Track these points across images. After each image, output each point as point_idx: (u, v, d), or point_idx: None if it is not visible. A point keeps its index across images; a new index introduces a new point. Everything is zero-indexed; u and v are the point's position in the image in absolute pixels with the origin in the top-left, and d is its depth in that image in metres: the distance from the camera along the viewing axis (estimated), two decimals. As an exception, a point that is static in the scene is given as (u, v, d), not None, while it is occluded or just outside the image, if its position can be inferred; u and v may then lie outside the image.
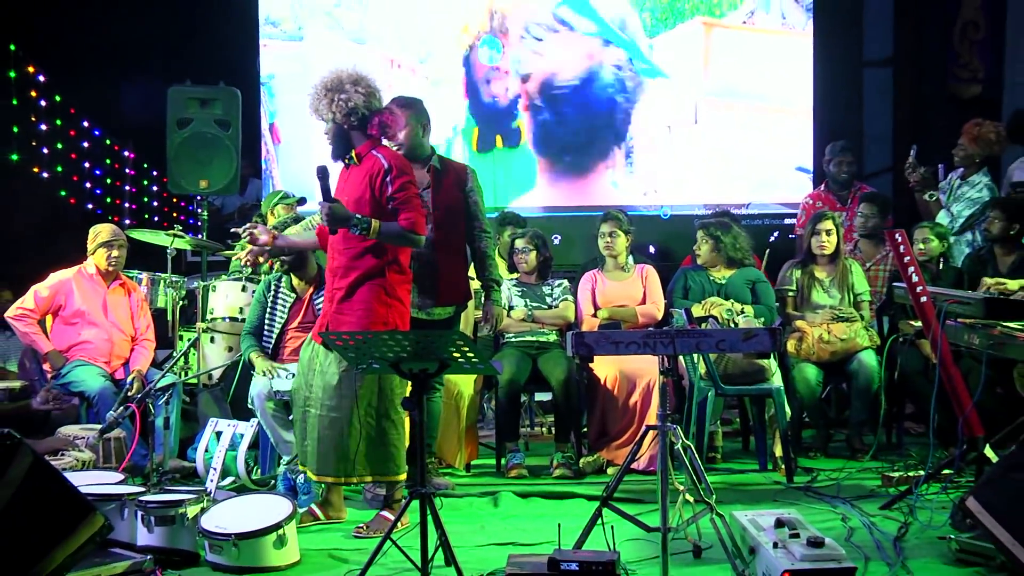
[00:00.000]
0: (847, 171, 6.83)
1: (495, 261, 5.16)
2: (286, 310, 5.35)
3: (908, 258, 4.65)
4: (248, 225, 4.62)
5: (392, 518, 4.22)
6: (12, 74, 7.79)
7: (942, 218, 6.37)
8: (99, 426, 5.00)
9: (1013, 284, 4.89)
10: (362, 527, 4.30)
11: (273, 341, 5.34)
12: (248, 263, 4.92)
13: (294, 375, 5.05)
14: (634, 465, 4.43)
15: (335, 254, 4.37)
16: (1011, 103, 7.85)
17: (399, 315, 4.37)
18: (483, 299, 5.13)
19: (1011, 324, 4.42)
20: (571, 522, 3.94)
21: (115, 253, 5.78)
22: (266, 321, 5.39)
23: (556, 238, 7.44)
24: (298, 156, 8.08)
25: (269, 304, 5.38)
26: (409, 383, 3.90)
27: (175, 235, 6.26)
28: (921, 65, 8.64)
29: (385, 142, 4.50)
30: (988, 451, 4.42)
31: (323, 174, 4.20)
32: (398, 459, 4.36)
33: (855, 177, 6.94)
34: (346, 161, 4.39)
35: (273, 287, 5.40)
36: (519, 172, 8.11)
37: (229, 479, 5.00)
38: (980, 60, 8.31)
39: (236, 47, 8.34)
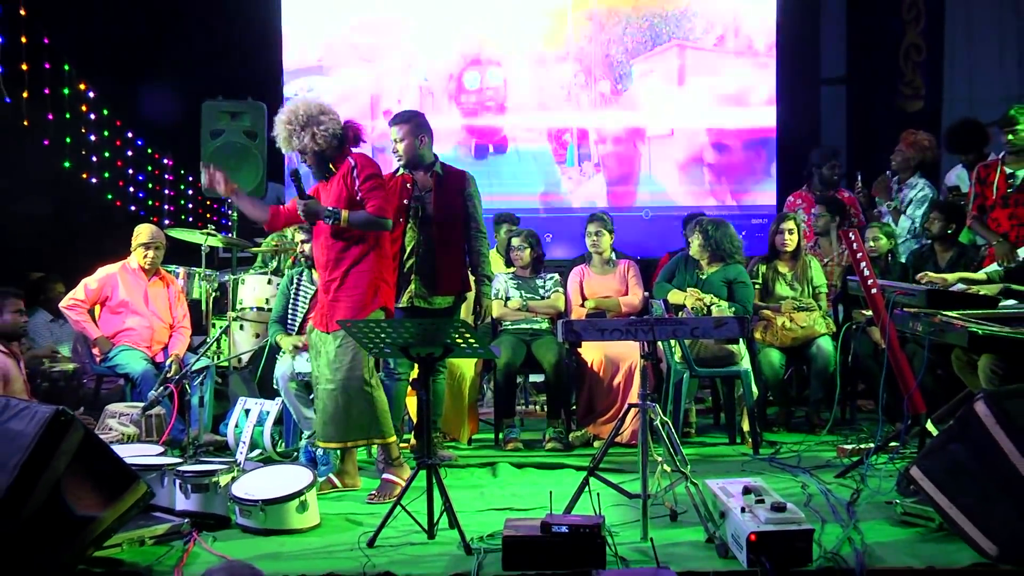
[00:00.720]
0: (838, 174, 6.81)
1: (488, 258, 5.14)
2: (307, 300, 5.35)
3: (860, 254, 4.64)
4: (209, 175, 4.56)
5: (394, 479, 4.27)
6: (66, 91, 7.80)
7: (903, 223, 6.39)
8: (142, 404, 4.99)
9: (952, 277, 4.89)
10: (374, 493, 4.30)
11: (296, 328, 5.35)
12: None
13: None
14: (618, 439, 4.42)
15: (322, 250, 4.37)
16: (949, 116, 7.90)
17: (386, 296, 4.44)
18: (475, 292, 5.11)
19: (950, 313, 4.42)
20: (561, 490, 3.94)
21: (151, 254, 5.77)
22: (289, 310, 5.39)
23: (548, 236, 7.42)
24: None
25: (292, 295, 5.39)
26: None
27: (208, 234, 6.26)
28: (871, 83, 8.64)
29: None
30: (929, 426, 4.43)
31: (296, 176, 4.29)
32: (384, 422, 4.35)
33: (840, 180, 6.91)
34: (325, 176, 4.41)
35: (295, 280, 5.41)
36: (511, 175, 8.12)
37: (256, 451, 5.00)
38: (922, 79, 8.36)
39: (263, 66, 8.31)
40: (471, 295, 5.10)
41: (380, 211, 4.30)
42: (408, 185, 4.85)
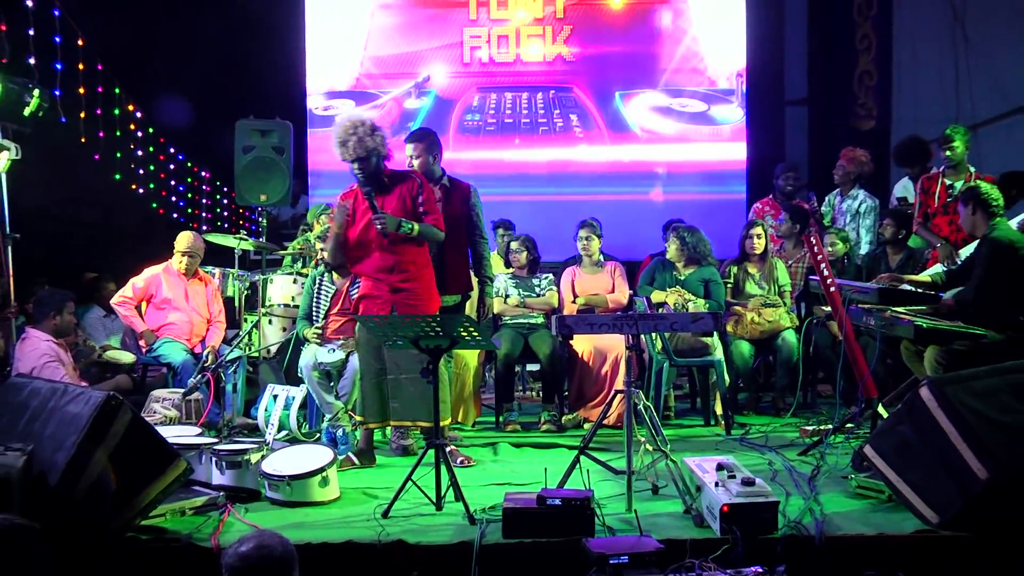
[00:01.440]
0: (792, 185, 6.79)
1: (490, 262, 5.11)
2: (328, 297, 5.33)
3: (820, 257, 4.64)
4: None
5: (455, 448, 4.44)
6: (116, 111, 7.80)
7: (866, 236, 6.42)
8: (182, 390, 4.98)
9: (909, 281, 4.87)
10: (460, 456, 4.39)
11: (320, 320, 5.33)
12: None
13: (334, 350, 5.03)
14: (605, 421, 4.39)
15: (380, 258, 4.34)
16: (896, 134, 8.01)
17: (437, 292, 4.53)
18: (479, 292, 5.07)
19: (899, 309, 4.44)
20: (555, 467, 3.91)
21: (186, 260, 5.77)
22: (313, 307, 5.37)
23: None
24: (335, 177, 7.99)
25: (315, 293, 5.37)
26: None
27: (241, 238, 6.22)
28: (829, 104, 8.64)
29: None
30: (881, 409, 4.42)
31: (370, 195, 4.27)
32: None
33: (799, 190, 6.89)
34: (376, 187, 4.34)
35: (318, 281, 5.38)
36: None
37: (283, 432, 4.98)
38: (873, 101, 8.42)
39: (288, 88, 8.31)
40: (475, 294, 5.09)
41: (438, 223, 4.39)
42: None
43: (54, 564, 1.52)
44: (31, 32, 6.34)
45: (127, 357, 5.95)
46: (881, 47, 8.42)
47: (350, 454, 4.46)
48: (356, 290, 4.86)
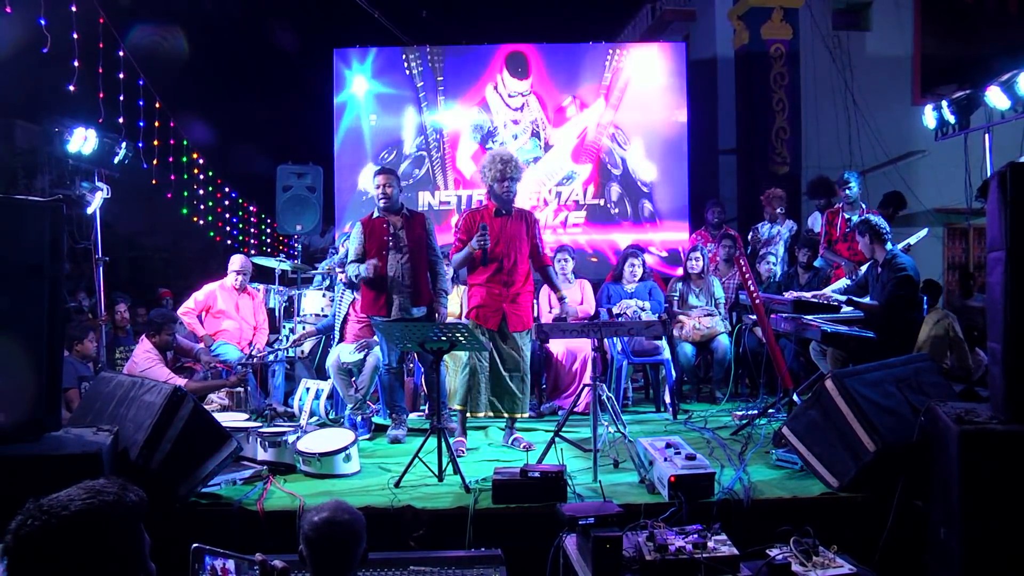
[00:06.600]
0: (716, 218, 6.83)
1: (445, 277, 4.66)
2: (347, 305, 5.22)
3: (748, 275, 4.67)
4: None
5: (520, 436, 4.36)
6: (184, 159, 7.84)
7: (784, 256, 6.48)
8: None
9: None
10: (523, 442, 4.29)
11: (339, 321, 5.26)
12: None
13: (353, 352, 4.95)
14: (576, 409, 4.39)
15: (510, 276, 4.29)
16: (805, 177, 8.21)
17: None
18: (434, 302, 4.67)
19: (808, 317, 4.46)
20: (535, 446, 3.91)
21: (239, 278, 5.73)
22: (338, 310, 5.33)
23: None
24: (357, 211, 7.97)
25: (339, 301, 5.32)
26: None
27: (281, 260, 6.21)
28: (753, 153, 8.73)
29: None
30: (795, 397, 4.44)
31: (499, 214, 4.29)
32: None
33: (723, 222, 6.93)
34: (497, 213, 4.34)
35: (341, 291, 5.31)
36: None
37: (314, 418, 4.94)
38: (787, 151, 8.54)
39: (320, 138, 8.31)
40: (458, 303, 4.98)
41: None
42: (385, 225, 4.53)
43: (141, 533, 1.49)
44: (121, 97, 6.60)
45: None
46: (792, 109, 8.63)
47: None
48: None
